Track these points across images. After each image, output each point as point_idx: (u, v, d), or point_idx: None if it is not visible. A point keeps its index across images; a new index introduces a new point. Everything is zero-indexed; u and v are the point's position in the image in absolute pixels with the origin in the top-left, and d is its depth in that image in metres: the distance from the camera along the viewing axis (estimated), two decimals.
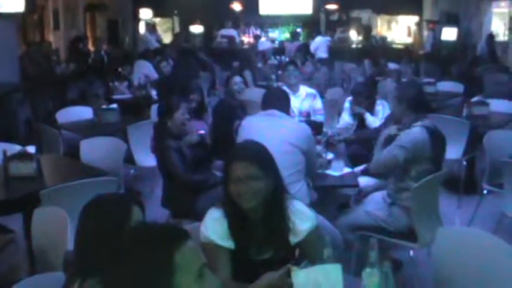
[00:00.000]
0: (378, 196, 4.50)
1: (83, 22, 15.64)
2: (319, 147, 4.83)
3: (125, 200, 2.37)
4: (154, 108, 7.14)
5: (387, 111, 6.16)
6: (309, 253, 2.74)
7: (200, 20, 19.51)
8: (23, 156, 4.43)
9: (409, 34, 20.27)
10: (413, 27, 19.92)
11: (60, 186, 4.04)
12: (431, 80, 9.75)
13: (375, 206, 4.38)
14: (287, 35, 18.99)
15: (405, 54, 14.86)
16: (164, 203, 4.92)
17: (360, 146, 5.92)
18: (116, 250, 1.78)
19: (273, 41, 18.71)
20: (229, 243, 2.70)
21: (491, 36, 14.22)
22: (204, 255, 1.81)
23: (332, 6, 20.24)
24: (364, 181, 4.87)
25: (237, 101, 6.62)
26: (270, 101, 4.56)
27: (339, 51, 16.10)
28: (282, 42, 18.14)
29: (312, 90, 6.86)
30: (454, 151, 6.08)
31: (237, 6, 20.17)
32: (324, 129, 5.80)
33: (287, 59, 14.27)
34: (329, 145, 5.31)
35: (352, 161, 5.17)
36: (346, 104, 6.48)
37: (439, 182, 4.29)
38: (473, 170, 6.83)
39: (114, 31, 17.79)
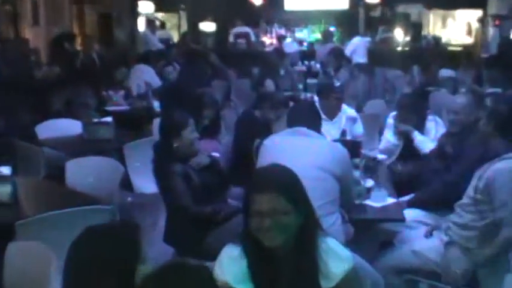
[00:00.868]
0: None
1: (68, 16, 15.69)
2: (356, 173, 4.84)
3: (128, 232, 2.39)
4: (156, 122, 7.19)
5: (441, 130, 6.15)
6: None
7: (212, 17, 19.59)
8: None
9: (469, 33, 20.22)
10: (475, 25, 19.86)
11: (40, 216, 4.06)
12: (498, 90, 9.72)
13: (426, 244, 4.37)
14: (318, 36, 19.01)
15: (464, 58, 14.84)
16: (167, 238, 4.93)
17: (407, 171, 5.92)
18: None
19: (300, 42, 18.75)
20: (249, 287, 2.71)
21: None
22: None
23: (373, 0, 20.26)
24: (412, 214, 4.88)
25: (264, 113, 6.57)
26: (297, 116, 4.58)
27: (381, 55, 16.05)
28: (311, 44, 18.16)
29: (353, 112, 6.87)
30: None
31: (257, 1, 20.21)
32: (363, 151, 5.81)
33: (318, 65, 14.35)
34: (369, 170, 5.31)
35: (398, 190, 5.18)
36: (390, 120, 6.49)
37: None
38: None
39: (108, 28, 17.84)
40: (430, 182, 5.18)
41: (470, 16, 20.08)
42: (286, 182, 2.81)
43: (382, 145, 6.43)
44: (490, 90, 9.76)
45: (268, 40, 19.49)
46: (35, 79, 11.14)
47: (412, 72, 13.52)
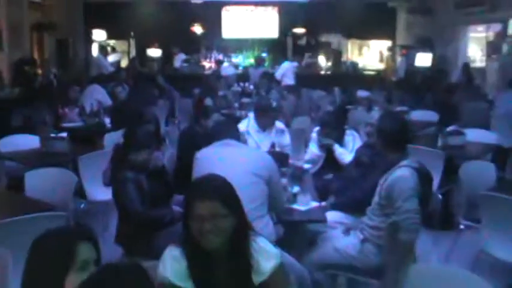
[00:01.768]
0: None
1: (29, 42, 15.44)
2: (284, 180, 4.86)
3: (71, 236, 2.33)
4: (107, 137, 7.10)
5: (358, 143, 6.23)
6: None
7: (158, 43, 19.54)
8: None
9: (381, 60, 20.58)
10: (386, 53, 20.23)
11: (1, 222, 3.95)
12: (404, 108, 9.92)
13: (345, 242, 4.41)
14: (251, 61, 19.07)
15: (377, 81, 15.09)
16: (118, 239, 4.85)
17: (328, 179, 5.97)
18: None
19: (236, 66, 18.79)
20: (188, 284, 2.68)
21: (466, 65, 14.53)
22: None
23: (300, 30, 20.47)
24: (333, 216, 4.91)
25: (203, 127, 6.55)
26: (222, 130, 4.62)
27: (306, 78, 16.23)
28: (245, 68, 18.21)
29: (281, 125, 6.92)
30: None
31: (198, 29, 20.26)
32: (290, 161, 5.85)
33: (251, 86, 14.39)
34: (295, 178, 5.34)
35: (320, 195, 5.21)
36: (314, 135, 6.53)
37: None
38: (450, 204, 6.92)
39: (64, 53, 17.63)
40: (349, 188, 5.24)
41: (382, 46, 20.44)
42: (222, 189, 2.81)
43: (307, 156, 6.46)
44: (399, 108, 9.95)
45: (208, 64, 19.47)
46: None
47: (334, 92, 13.73)
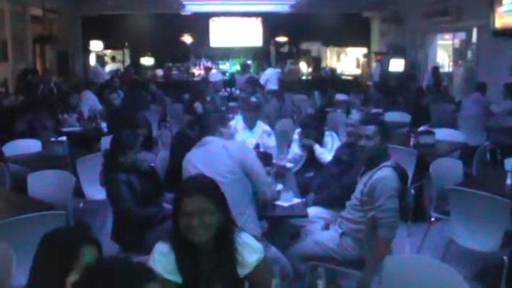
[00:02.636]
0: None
1: (32, 54, 15.43)
2: (268, 179, 4.84)
3: (77, 237, 2.31)
4: (104, 141, 7.07)
5: (337, 143, 6.23)
6: (257, 285, 2.74)
7: (151, 53, 19.54)
8: None
9: (357, 65, 20.63)
10: (362, 59, 20.29)
11: (4, 221, 3.93)
12: (380, 110, 9.94)
13: (325, 236, 4.41)
14: (237, 67, 19.08)
15: (354, 85, 15.13)
16: (114, 236, 4.83)
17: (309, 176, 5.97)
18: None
19: (223, 73, 18.79)
20: (176, 278, 2.66)
21: (436, 69, 14.63)
22: None
23: (282, 39, 20.50)
24: (314, 211, 4.91)
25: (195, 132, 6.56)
26: (201, 128, 4.63)
27: (289, 83, 16.24)
28: (232, 74, 18.23)
29: (268, 128, 6.95)
30: None
31: (187, 39, 20.27)
32: (274, 161, 5.84)
33: (237, 91, 14.38)
34: (279, 176, 5.34)
35: (302, 191, 5.21)
36: (295, 136, 6.53)
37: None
38: (422, 197, 6.95)
39: (64, 63, 17.58)
40: (329, 185, 5.24)
41: (358, 52, 20.49)
42: (209, 186, 2.81)
43: (290, 156, 6.45)
44: (374, 110, 9.98)
45: (197, 71, 19.49)
46: (3, 106, 10.87)
47: (314, 96, 13.74)
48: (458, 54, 15.74)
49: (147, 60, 19.63)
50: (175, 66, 19.63)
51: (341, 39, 19.91)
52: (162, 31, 19.40)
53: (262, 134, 6.75)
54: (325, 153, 6.11)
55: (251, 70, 17.55)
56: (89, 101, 10.54)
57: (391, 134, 4.45)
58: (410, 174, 6.34)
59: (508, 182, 5.15)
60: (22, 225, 3.89)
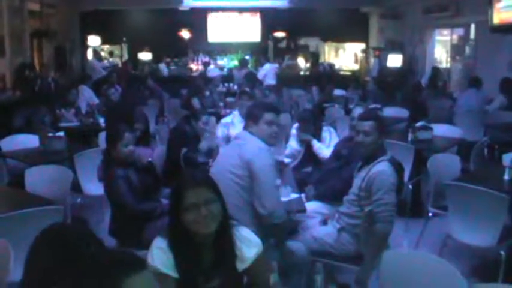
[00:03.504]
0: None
1: (29, 49, 15.38)
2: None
3: (88, 235, 2.31)
4: (101, 136, 7.07)
5: (335, 138, 6.23)
6: (256, 279, 2.74)
7: (149, 48, 19.50)
8: None
9: (355, 61, 20.62)
10: (360, 54, 20.27)
11: (2, 216, 3.93)
12: (378, 105, 9.93)
13: (322, 231, 4.41)
14: (235, 63, 19.04)
15: (352, 81, 15.11)
16: (112, 231, 4.83)
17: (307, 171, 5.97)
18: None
19: (221, 68, 18.77)
20: (175, 273, 2.65)
21: (436, 69, 14.49)
22: None
23: (280, 34, 20.51)
24: (312, 206, 4.91)
25: (192, 127, 6.56)
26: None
27: (287, 78, 16.24)
28: (230, 70, 18.20)
29: None
30: None
31: (185, 34, 20.25)
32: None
33: (235, 86, 14.37)
34: (277, 171, 5.32)
35: (300, 186, 5.20)
36: (293, 131, 6.53)
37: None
38: (419, 193, 6.96)
39: (62, 58, 17.51)
40: (329, 179, 5.24)
41: (356, 48, 20.47)
42: (208, 178, 2.86)
43: (288, 151, 6.46)
44: (372, 105, 9.97)
45: (195, 66, 19.45)
46: (0, 101, 10.85)
47: (312, 91, 13.74)
48: (456, 50, 15.74)
49: (145, 55, 19.60)
50: (173, 61, 19.60)
51: (339, 34, 19.89)
52: (160, 26, 19.38)
53: None
54: (323, 148, 6.11)
55: (249, 65, 17.54)
56: (85, 96, 10.51)
57: (387, 129, 4.44)
58: (408, 169, 6.36)
59: (506, 177, 5.16)
60: (20, 220, 3.88)
